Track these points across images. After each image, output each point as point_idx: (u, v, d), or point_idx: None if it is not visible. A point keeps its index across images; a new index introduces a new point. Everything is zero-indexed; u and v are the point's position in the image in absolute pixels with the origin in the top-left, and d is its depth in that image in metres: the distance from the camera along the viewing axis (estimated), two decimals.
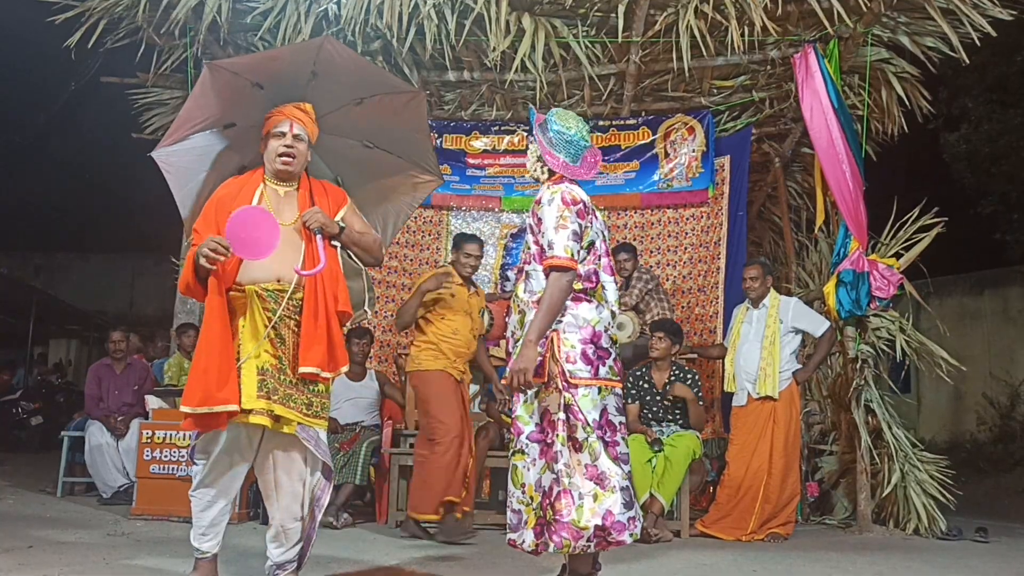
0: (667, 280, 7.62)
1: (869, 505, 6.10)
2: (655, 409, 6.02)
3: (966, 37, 6.19)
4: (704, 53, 6.55)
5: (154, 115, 7.92)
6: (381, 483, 6.19)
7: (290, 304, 3.27)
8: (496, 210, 8.11)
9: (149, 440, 5.98)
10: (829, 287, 6.26)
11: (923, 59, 6.59)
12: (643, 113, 7.74)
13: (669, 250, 7.79)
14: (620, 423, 3.31)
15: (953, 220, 6.51)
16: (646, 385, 6.06)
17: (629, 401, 5.97)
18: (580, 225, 3.27)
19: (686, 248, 7.65)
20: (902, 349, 6.19)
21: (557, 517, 3.13)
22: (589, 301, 3.30)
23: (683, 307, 7.59)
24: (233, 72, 3.45)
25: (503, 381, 3.55)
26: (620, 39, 6.52)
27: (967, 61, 6.36)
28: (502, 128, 7.93)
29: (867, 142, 6.71)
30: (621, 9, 6.30)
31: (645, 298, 6.80)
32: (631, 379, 6.06)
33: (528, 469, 3.24)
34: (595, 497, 3.14)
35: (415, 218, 8.08)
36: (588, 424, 3.19)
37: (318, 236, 3.34)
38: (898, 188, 6.51)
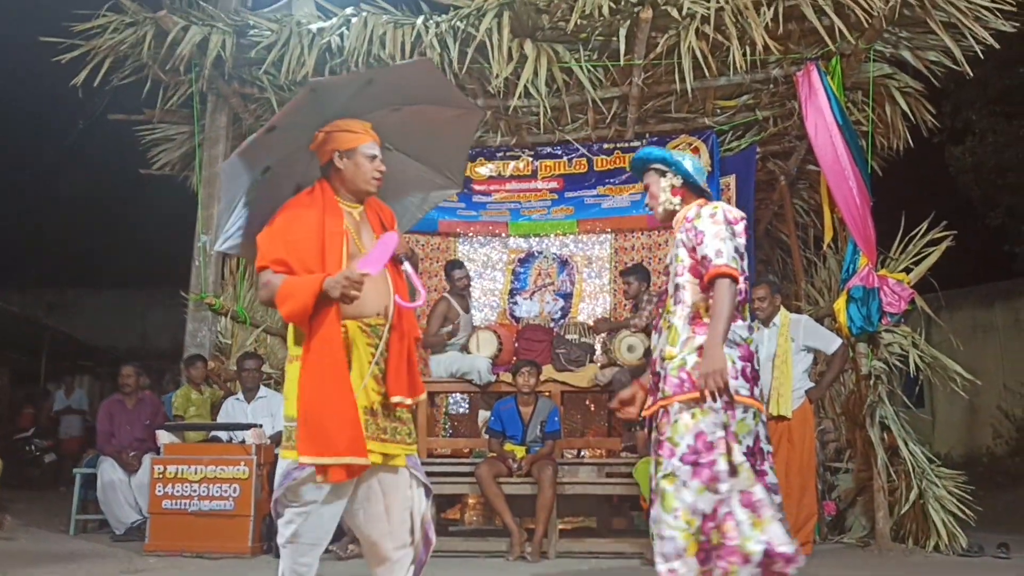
0: None
1: (888, 523, 6.02)
2: None
3: (968, 50, 6.18)
4: (706, 74, 6.58)
5: (161, 151, 7.98)
6: None
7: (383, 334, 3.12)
8: (503, 235, 8.11)
9: (161, 475, 5.96)
10: (839, 304, 6.22)
11: (926, 73, 6.60)
12: (647, 135, 7.74)
13: None
14: (768, 452, 3.23)
15: (961, 233, 6.50)
16: None
17: (638, 428, 5.92)
18: (740, 244, 3.25)
19: None
20: (915, 364, 6.15)
21: (724, 541, 3.04)
22: (743, 319, 3.25)
23: None
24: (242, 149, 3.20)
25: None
26: (622, 62, 6.56)
27: (971, 74, 6.36)
28: (507, 154, 7.94)
29: (873, 158, 6.70)
30: (622, 33, 6.34)
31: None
32: None
33: (679, 491, 3.10)
34: (753, 524, 3.04)
35: (423, 245, 8.10)
36: (742, 448, 3.12)
37: (406, 263, 3.21)
38: (905, 203, 6.49)
